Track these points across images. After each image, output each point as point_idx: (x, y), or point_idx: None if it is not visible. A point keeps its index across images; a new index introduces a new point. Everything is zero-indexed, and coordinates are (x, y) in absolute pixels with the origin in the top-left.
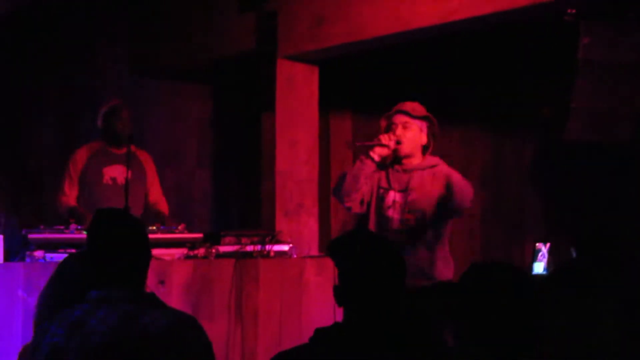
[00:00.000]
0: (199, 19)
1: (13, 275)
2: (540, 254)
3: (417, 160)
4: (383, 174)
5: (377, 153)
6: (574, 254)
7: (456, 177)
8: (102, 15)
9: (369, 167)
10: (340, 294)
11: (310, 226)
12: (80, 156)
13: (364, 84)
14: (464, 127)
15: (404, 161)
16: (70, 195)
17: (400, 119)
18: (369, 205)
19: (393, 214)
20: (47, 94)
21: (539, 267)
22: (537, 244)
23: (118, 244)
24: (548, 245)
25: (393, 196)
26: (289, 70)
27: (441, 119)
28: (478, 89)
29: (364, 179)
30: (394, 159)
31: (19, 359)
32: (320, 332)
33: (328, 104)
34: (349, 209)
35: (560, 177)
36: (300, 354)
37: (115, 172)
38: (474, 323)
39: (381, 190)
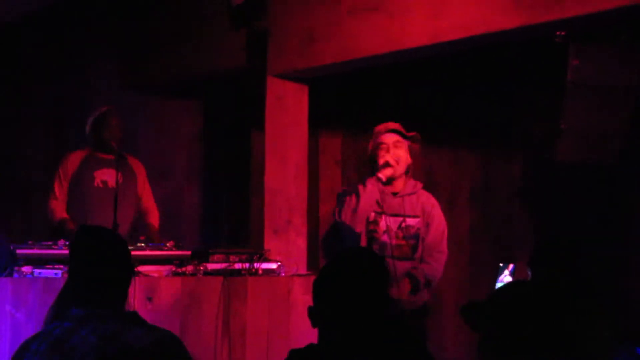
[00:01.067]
0: (190, 34)
1: (1, 290)
2: (502, 274)
3: (401, 180)
4: (374, 196)
5: (384, 174)
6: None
7: (437, 213)
8: (94, 29)
9: (370, 194)
10: (315, 315)
11: (298, 244)
12: (72, 160)
13: (354, 103)
14: (453, 145)
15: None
16: (60, 198)
17: (391, 138)
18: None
19: (387, 239)
20: (37, 107)
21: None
22: (500, 264)
23: (100, 261)
24: (511, 266)
25: (386, 221)
26: (279, 88)
27: (431, 138)
28: (467, 108)
29: (363, 205)
30: (391, 181)
31: None
32: (294, 354)
33: (318, 121)
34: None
35: (548, 197)
36: None
37: (106, 176)
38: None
39: (372, 214)
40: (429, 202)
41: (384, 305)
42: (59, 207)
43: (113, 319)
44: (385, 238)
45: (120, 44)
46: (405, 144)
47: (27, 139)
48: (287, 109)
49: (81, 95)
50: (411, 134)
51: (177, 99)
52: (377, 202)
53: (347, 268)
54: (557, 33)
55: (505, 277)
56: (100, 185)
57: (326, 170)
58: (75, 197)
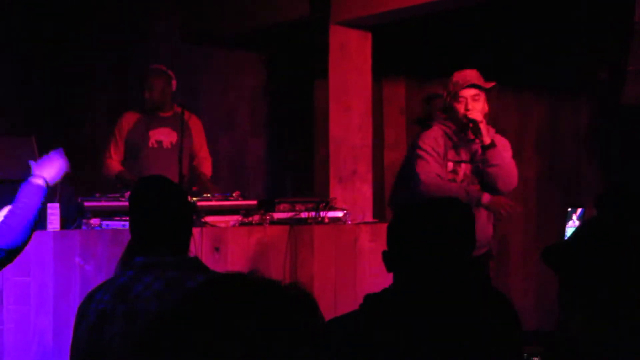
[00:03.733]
0: None
1: (70, 242)
2: (571, 219)
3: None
4: (450, 144)
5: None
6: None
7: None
8: None
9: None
10: (390, 260)
11: (364, 192)
12: (127, 120)
13: (418, 50)
14: (518, 92)
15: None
16: (115, 158)
17: (469, 92)
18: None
19: (465, 185)
20: (100, 63)
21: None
22: (569, 209)
23: (160, 211)
24: (579, 210)
25: (464, 169)
26: (342, 36)
27: (496, 84)
28: (532, 54)
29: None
30: (464, 132)
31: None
32: (369, 299)
33: (381, 70)
34: None
35: (616, 142)
36: (351, 321)
37: (161, 135)
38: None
39: (450, 163)
40: (501, 144)
41: (467, 251)
42: (114, 164)
43: (175, 266)
44: (464, 185)
45: None
46: (483, 95)
47: (92, 95)
48: (350, 58)
49: (143, 51)
50: (490, 84)
51: (240, 52)
52: (455, 151)
53: (433, 214)
54: None
55: (575, 222)
56: (155, 145)
57: (390, 118)
58: (131, 158)
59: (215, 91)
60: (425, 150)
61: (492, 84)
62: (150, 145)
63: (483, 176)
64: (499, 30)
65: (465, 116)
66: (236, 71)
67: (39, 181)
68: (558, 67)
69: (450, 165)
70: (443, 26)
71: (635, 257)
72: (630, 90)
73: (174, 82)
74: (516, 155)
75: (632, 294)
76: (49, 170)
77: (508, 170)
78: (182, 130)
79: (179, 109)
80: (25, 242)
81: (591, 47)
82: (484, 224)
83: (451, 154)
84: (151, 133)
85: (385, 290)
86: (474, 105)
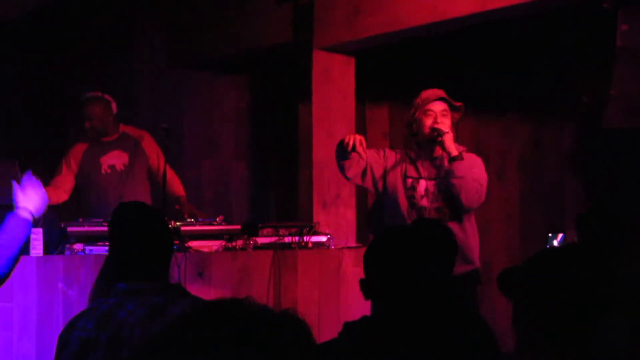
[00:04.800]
0: (236, 9)
1: (53, 268)
2: (551, 244)
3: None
4: (407, 161)
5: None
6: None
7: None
8: (139, 5)
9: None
10: (367, 287)
11: (347, 217)
12: (76, 151)
13: (401, 74)
14: (502, 113)
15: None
16: (56, 191)
17: (439, 106)
18: (393, 193)
19: (427, 203)
20: (84, 84)
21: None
22: (550, 234)
23: (141, 236)
24: (560, 235)
25: (425, 185)
26: (325, 61)
27: (479, 106)
28: (515, 76)
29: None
30: (429, 147)
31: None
32: (347, 327)
33: (364, 94)
34: (348, 179)
35: (598, 164)
36: (330, 349)
37: (113, 160)
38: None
39: (409, 180)
40: (471, 160)
41: (444, 277)
42: (59, 194)
43: (158, 292)
44: (424, 202)
45: (166, 19)
46: (449, 114)
47: (74, 118)
48: (333, 82)
49: (127, 71)
50: (458, 103)
51: (224, 75)
52: (415, 168)
53: (409, 239)
54: None
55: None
56: (108, 170)
57: (374, 142)
58: (86, 186)
59: (199, 114)
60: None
61: (459, 103)
62: (103, 171)
63: (446, 191)
64: (483, 52)
65: (433, 128)
66: (220, 94)
67: (26, 214)
68: (542, 89)
69: (409, 181)
70: (426, 49)
71: (592, 282)
72: (612, 113)
73: (113, 105)
74: (499, 175)
75: (582, 322)
76: (34, 202)
77: (474, 185)
78: (165, 151)
79: (125, 128)
80: (7, 275)
81: (575, 70)
82: (468, 238)
83: (410, 170)
84: (102, 160)
85: (362, 318)
86: (443, 119)
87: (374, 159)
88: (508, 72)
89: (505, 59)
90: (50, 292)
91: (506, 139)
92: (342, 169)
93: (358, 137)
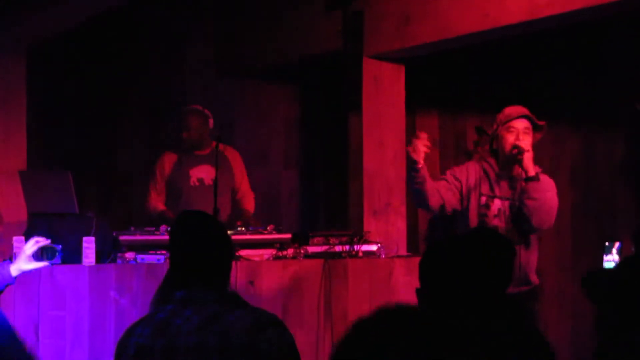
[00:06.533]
0: (285, 18)
1: (105, 277)
2: (609, 253)
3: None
4: (484, 178)
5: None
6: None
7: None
8: (188, 17)
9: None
10: (424, 297)
11: (398, 226)
12: (167, 161)
13: (451, 83)
14: (553, 123)
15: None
16: (157, 199)
17: (522, 123)
18: (464, 210)
19: (499, 222)
20: (135, 97)
21: (609, 266)
22: (607, 242)
23: (201, 245)
24: (617, 244)
25: (499, 204)
26: (375, 69)
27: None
28: (566, 85)
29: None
30: (509, 165)
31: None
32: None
33: (414, 102)
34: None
35: None
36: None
37: (202, 173)
38: None
39: (483, 198)
40: (545, 182)
41: (504, 289)
42: (158, 203)
43: (215, 301)
44: (496, 222)
45: (215, 30)
46: (531, 132)
47: (128, 129)
48: (383, 90)
49: (178, 83)
50: (541, 122)
51: (273, 84)
52: (490, 185)
53: (468, 248)
54: None
55: (614, 255)
56: (197, 183)
57: None
58: (174, 197)
59: (249, 124)
60: (443, 178)
61: (543, 122)
62: (192, 184)
63: (519, 211)
64: (534, 61)
65: (515, 145)
66: (270, 104)
67: (14, 272)
68: (593, 98)
69: (484, 199)
70: (476, 58)
71: None
72: None
73: (210, 121)
74: None
75: None
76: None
77: (546, 209)
78: (217, 162)
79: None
80: None
81: (627, 78)
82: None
83: (485, 188)
84: (192, 172)
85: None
86: (525, 137)
87: (448, 194)
88: (558, 81)
89: (556, 68)
90: (102, 300)
91: (557, 150)
92: (419, 197)
93: (420, 142)
